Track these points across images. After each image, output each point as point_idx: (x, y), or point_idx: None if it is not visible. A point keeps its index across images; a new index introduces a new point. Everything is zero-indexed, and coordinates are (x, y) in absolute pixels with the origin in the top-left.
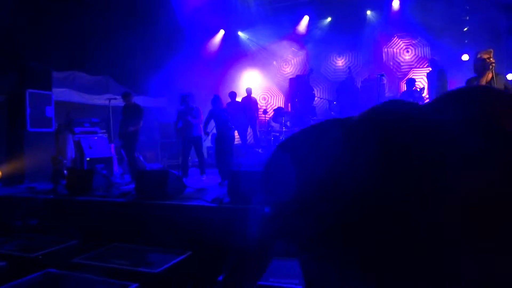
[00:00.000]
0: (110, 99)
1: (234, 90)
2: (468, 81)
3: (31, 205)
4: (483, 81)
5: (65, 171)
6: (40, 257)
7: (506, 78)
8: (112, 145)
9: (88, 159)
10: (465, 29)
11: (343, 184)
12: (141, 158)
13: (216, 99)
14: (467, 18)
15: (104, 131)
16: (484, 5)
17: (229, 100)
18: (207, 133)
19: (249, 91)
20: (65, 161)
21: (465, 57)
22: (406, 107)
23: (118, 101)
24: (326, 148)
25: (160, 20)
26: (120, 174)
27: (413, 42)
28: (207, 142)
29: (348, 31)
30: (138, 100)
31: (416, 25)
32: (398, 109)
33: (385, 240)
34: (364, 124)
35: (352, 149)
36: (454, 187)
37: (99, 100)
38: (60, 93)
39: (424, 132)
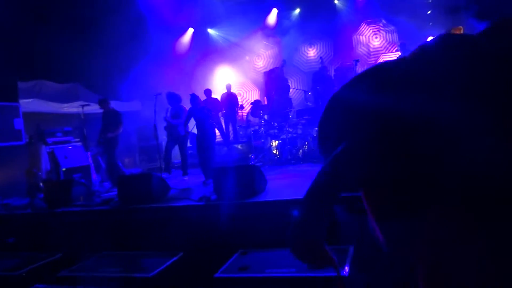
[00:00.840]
0: (83, 106)
1: (208, 88)
2: None
3: (7, 222)
4: None
5: (40, 184)
6: (24, 274)
7: None
8: (89, 153)
9: (64, 169)
10: (429, 12)
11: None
12: (119, 163)
13: (194, 98)
14: (430, 1)
15: (78, 139)
16: None
17: (204, 97)
18: (187, 132)
19: (228, 87)
20: (40, 174)
21: (430, 38)
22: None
23: (92, 108)
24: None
25: (126, 21)
26: (99, 182)
27: (381, 28)
28: (187, 142)
29: (318, 21)
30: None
31: (382, 11)
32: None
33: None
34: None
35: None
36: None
37: (70, 108)
38: (27, 104)
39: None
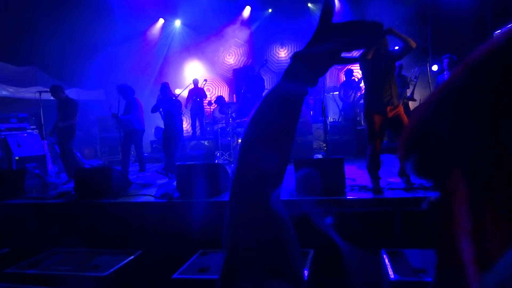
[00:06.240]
0: (40, 92)
1: (177, 81)
2: (362, 55)
3: None
4: (370, 55)
5: None
6: None
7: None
8: (45, 142)
9: (16, 158)
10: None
11: None
12: (78, 154)
13: (165, 87)
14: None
15: (34, 127)
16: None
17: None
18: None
19: (196, 82)
20: None
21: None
22: None
23: (50, 94)
24: None
25: (92, 6)
26: (56, 173)
27: None
28: (151, 136)
29: (290, 23)
30: (71, 93)
31: (352, 18)
32: None
33: None
34: None
35: None
36: None
37: (27, 93)
38: None
39: None
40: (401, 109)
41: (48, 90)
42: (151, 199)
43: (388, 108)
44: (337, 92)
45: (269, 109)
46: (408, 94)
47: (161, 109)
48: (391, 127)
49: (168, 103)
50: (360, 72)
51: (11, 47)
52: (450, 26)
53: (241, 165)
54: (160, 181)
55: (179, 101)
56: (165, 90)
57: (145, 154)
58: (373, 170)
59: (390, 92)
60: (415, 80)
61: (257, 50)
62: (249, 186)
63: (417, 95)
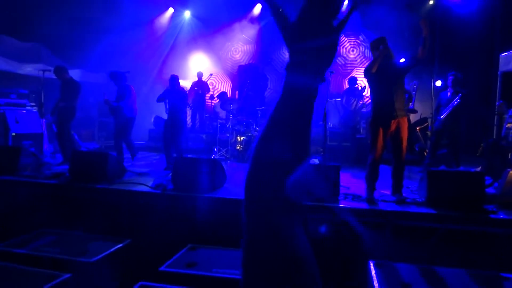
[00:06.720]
0: (44, 71)
1: (181, 72)
2: (366, 69)
3: None
4: (374, 69)
5: None
6: None
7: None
8: (44, 121)
9: (13, 134)
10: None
11: None
12: (76, 136)
13: (173, 79)
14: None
15: (34, 104)
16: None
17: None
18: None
19: (200, 75)
20: None
21: (402, 60)
22: None
23: (52, 73)
24: None
25: None
26: (51, 153)
27: (358, 42)
28: (150, 125)
29: None
30: (74, 73)
31: (362, 27)
32: None
33: None
34: None
35: None
36: None
37: (30, 70)
38: None
39: None
40: (404, 121)
41: (52, 69)
42: (145, 188)
43: (392, 121)
44: (339, 99)
45: (278, 130)
46: (410, 105)
47: (167, 101)
48: (391, 139)
49: (175, 96)
50: (365, 80)
51: (17, 22)
52: (457, 43)
53: (255, 163)
54: (156, 171)
55: (186, 95)
56: (174, 82)
57: (141, 142)
58: (371, 179)
59: (395, 104)
60: (414, 93)
61: (264, 48)
62: (264, 183)
63: (418, 107)
